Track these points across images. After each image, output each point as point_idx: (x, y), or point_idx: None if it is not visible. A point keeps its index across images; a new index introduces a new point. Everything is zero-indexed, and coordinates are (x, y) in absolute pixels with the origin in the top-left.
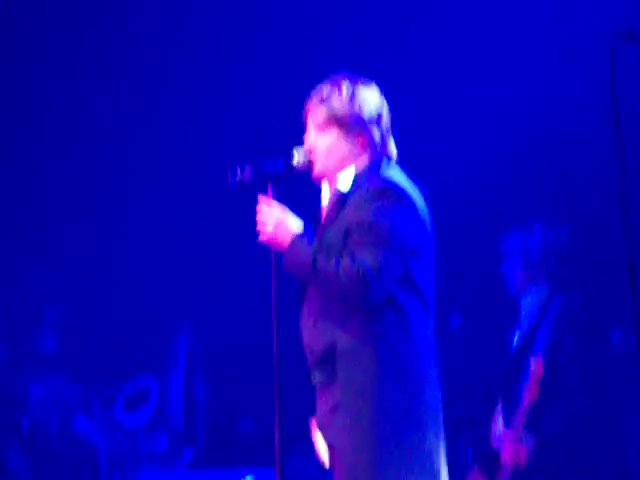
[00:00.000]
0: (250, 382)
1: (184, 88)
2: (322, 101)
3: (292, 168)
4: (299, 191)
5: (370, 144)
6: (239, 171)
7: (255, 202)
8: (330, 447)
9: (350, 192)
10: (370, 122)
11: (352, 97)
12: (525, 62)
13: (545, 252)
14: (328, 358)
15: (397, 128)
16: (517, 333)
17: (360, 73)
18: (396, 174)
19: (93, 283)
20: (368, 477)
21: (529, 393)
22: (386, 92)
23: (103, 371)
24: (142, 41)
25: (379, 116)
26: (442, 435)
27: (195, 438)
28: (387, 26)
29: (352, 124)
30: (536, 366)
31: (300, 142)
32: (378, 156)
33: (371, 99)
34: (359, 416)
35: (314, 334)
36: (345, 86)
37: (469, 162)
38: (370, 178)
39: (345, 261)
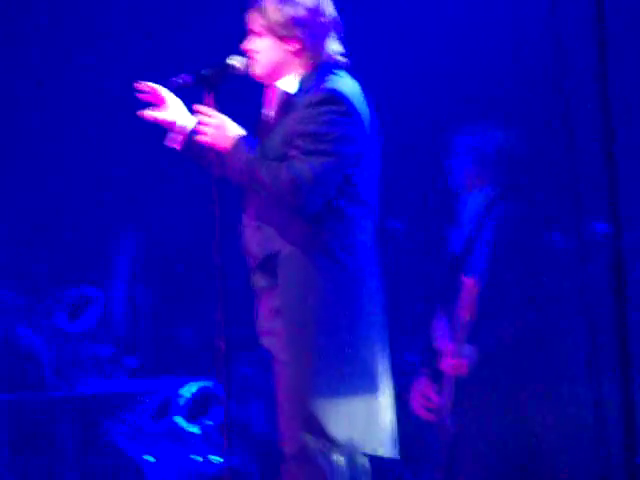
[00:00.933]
0: (193, 289)
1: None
2: (257, 9)
3: (228, 68)
4: (240, 98)
5: (305, 49)
6: (177, 78)
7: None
8: (270, 354)
9: (296, 96)
10: (304, 26)
11: (284, 2)
12: None
13: (498, 154)
14: (270, 263)
15: (344, 33)
16: (455, 234)
17: None
18: (342, 80)
19: (35, 189)
20: (306, 386)
21: (465, 311)
22: None
23: (45, 279)
24: None
25: (314, 20)
26: (386, 344)
27: (138, 346)
28: None
29: (283, 29)
30: (471, 286)
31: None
32: (323, 61)
33: (306, 3)
34: (298, 324)
35: (256, 239)
36: None
37: (417, 64)
38: (315, 84)
39: (282, 170)
